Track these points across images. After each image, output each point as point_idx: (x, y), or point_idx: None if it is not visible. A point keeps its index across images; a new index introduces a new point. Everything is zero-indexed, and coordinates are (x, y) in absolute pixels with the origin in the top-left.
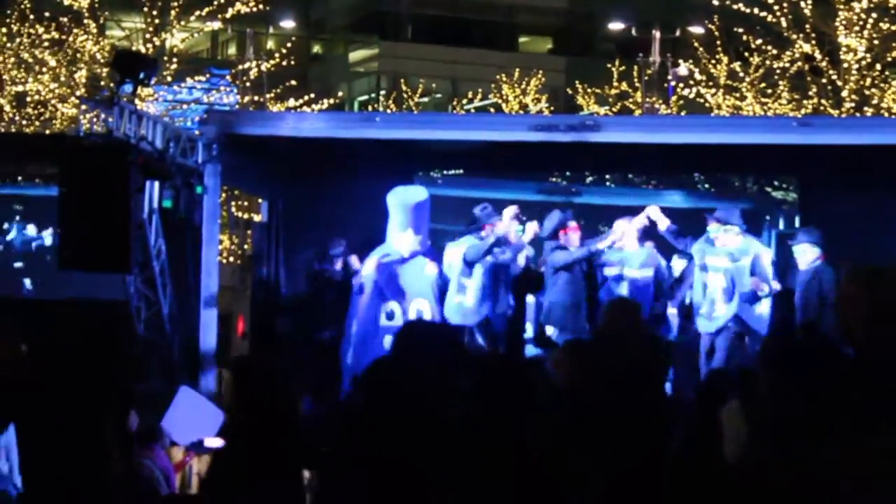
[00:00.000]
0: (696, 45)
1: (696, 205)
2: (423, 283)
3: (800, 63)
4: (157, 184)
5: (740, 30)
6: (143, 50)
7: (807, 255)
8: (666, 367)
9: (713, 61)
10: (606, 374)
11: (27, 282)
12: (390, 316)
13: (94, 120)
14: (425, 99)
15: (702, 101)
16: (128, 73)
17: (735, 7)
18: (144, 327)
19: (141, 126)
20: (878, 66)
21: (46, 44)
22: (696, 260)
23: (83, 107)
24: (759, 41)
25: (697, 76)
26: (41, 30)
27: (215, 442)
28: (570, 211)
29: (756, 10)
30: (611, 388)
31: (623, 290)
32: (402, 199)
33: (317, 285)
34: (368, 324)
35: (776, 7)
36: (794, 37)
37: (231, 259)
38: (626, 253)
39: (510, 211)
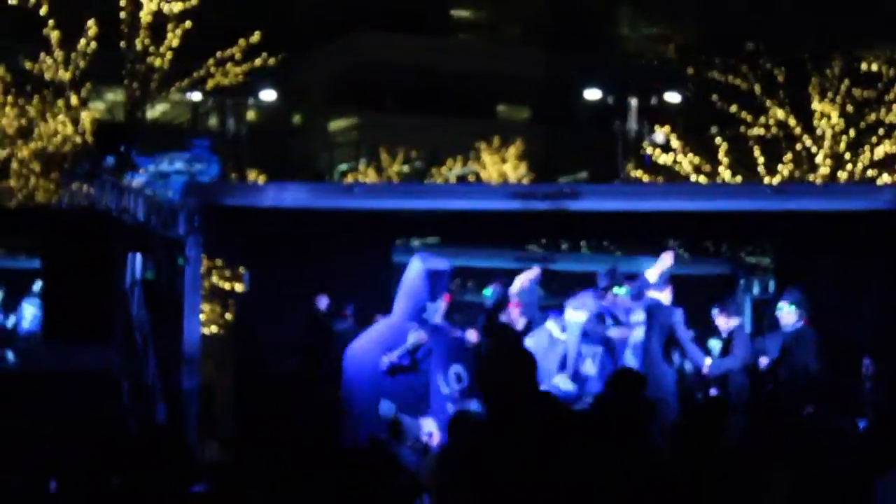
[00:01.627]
0: (672, 112)
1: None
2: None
3: (774, 129)
4: (139, 255)
5: (715, 97)
6: (124, 122)
7: (787, 316)
8: None
9: (689, 128)
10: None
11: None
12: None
13: (77, 192)
14: (405, 168)
15: (678, 167)
16: (109, 146)
17: (709, 75)
18: (128, 398)
19: (122, 198)
20: (852, 132)
21: (30, 116)
22: None
23: (65, 179)
24: (733, 108)
25: (674, 143)
26: (23, 103)
27: None
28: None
29: (730, 78)
30: None
31: None
32: (433, 266)
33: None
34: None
35: (750, 74)
36: (769, 103)
37: (214, 329)
38: None
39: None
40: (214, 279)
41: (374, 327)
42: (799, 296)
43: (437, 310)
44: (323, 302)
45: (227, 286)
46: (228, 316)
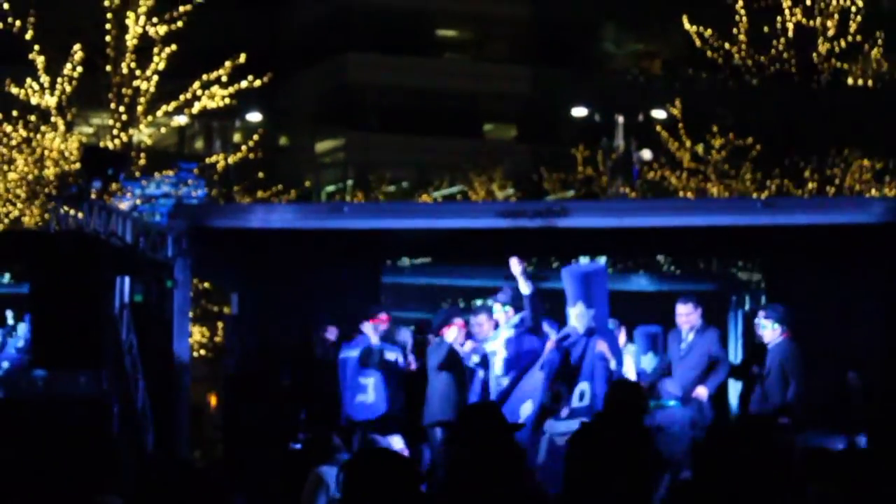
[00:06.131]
0: (658, 129)
1: (660, 287)
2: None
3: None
4: (127, 278)
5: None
6: (110, 146)
7: (768, 333)
8: None
9: (676, 144)
10: None
11: None
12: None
13: (64, 217)
14: (392, 188)
15: (666, 184)
16: (96, 170)
17: (696, 90)
18: (118, 423)
19: (110, 222)
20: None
21: (14, 143)
22: None
23: (52, 204)
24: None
25: (661, 160)
26: (9, 129)
27: None
28: (456, 307)
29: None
30: None
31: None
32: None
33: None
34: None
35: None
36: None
37: (202, 352)
38: None
39: None
40: (203, 301)
41: None
42: (779, 311)
43: None
44: (332, 332)
45: (215, 309)
46: (217, 339)
